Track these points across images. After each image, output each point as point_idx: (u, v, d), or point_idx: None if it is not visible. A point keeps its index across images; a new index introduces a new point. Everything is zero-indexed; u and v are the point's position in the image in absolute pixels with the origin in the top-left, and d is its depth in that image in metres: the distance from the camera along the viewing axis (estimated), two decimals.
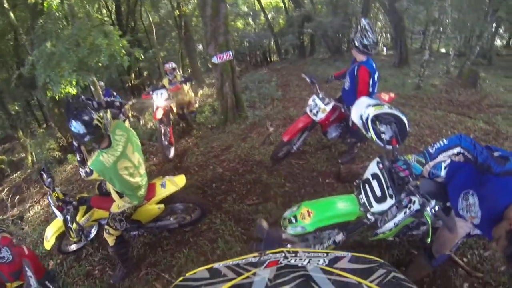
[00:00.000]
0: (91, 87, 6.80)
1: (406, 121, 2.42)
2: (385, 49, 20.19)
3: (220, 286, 0.92)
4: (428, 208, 1.75)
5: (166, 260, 3.31)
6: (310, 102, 4.00)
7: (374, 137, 2.41)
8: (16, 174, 9.09)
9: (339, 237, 2.33)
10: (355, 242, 2.97)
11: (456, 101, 7.98)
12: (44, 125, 17.15)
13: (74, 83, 6.62)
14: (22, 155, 10.64)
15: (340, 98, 4.06)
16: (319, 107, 3.86)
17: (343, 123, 4.14)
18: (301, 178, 4.24)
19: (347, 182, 3.92)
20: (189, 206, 3.64)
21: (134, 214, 3.15)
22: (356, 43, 3.46)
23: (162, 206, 3.22)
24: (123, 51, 6.62)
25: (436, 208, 1.74)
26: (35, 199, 6.18)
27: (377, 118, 2.36)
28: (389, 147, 2.20)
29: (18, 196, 6.53)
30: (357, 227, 2.33)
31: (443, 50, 18.99)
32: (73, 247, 3.74)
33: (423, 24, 14.92)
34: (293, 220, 2.27)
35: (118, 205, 2.99)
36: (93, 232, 3.66)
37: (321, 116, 3.88)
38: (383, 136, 2.27)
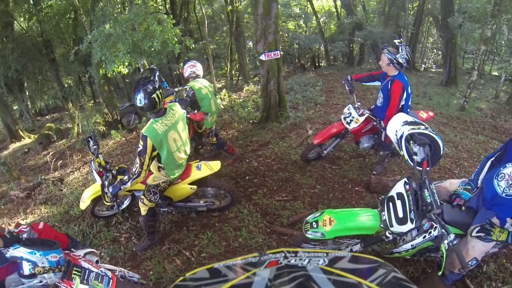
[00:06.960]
0: (141, 69, 7.10)
1: (441, 145, 2.38)
2: (434, 66, 19.34)
3: (220, 286, 0.92)
4: (445, 241, 1.80)
5: (190, 239, 3.41)
6: (345, 110, 4.03)
7: (406, 156, 2.39)
8: (61, 142, 9.71)
9: (357, 247, 2.37)
10: (373, 252, 2.92)
11: (501, 128, 7.52)
12: (92, 101, 18.10)
13: (126, 63, 7.00)
14: (69, 125, 11.28)
15: (373, 112, 4.00)
16: (353, 116, 3.88)
17: (376, 135, 4.11)
18: (332, 182, 4.22)
19: (376, 192, 3.89)
20: (220, 192, 3.73)
21: (167, 190, 3.28)
22: (403, 60, 3.36)
23: (194, 187, 3.32)
24: (175, 39, 6.86)
25: (455, 242, 1.78)
26: (76, 166, 6.58)
27: (411, 137, 2.35)
28: (419, 168, 2.16)
29: (61, 161, 7.00)
30: (375, 241, 2.36)
31: (495, 73, 17.59)
32: (105, 213, 3.95)
33: (477, 43, 14.07)
34: (314, 225, 2.29)
35: (155, 177, 3.16)
36: (126, 203, 3.86)
37: (354, 125, 3.90)
38: (414, 157, 2.24)
